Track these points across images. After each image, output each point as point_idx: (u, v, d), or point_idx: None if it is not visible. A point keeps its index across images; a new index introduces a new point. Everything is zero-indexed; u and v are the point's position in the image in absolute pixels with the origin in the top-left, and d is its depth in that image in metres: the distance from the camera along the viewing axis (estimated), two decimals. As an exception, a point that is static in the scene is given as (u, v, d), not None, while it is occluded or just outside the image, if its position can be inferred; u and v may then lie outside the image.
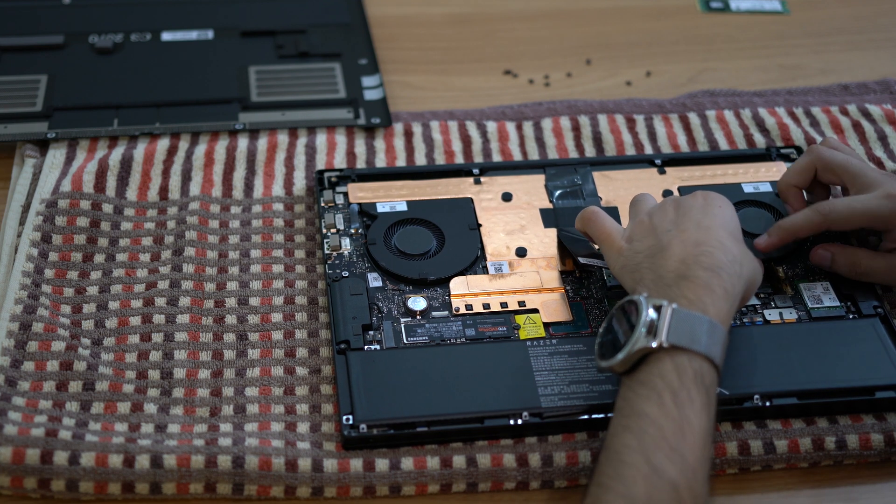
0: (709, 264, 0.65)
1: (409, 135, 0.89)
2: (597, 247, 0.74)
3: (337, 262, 0.76)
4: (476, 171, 0.84)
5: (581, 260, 0.75)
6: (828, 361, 0.71)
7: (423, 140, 0.89)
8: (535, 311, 0.74)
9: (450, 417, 0.67)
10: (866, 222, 0.73)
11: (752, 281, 0.68)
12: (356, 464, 0.66)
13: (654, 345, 0.62)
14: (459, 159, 0.87)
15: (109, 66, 0.94)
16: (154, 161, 0.84)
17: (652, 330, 0.62)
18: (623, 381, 0.63)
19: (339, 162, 0.86)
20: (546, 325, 0.73)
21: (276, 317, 0.74)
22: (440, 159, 0.87)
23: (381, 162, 0.87)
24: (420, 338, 0.72)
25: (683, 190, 0.83)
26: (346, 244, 0.78)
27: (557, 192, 0.82)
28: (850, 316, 0.74)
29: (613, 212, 0.81)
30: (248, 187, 0.83)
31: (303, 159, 0.86)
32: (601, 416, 0.67)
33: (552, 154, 0.88)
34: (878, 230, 0.75)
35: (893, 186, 0.73)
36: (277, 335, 0.73)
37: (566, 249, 0.78)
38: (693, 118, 0.91)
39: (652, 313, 0.63)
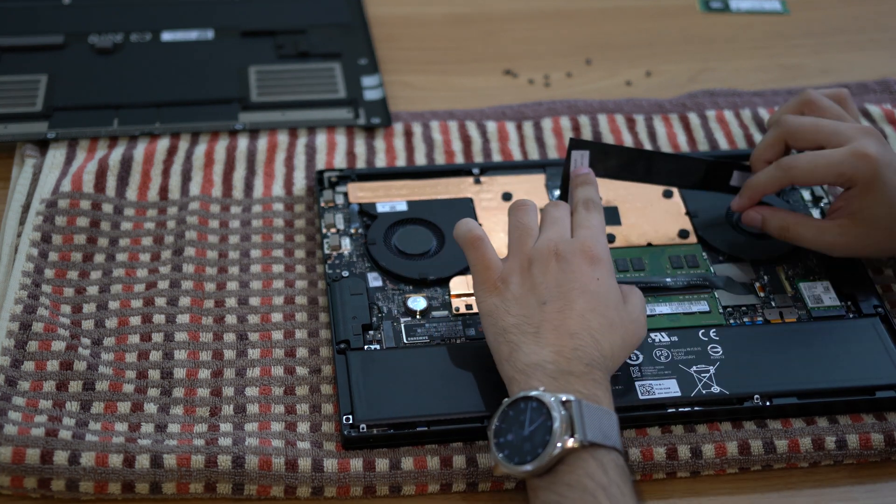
0: (587, 360, 0.63)
1: (409, 135, 0.89)
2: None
3: (337, 262, 0.76)
4: (476, 171, 0.84)
5: None
6: (828, 361, 0.71)
7: (423, 140, 0.89)
8: (535, 310, 0.74)
9: (450, 417, 0.67)
10: (830, 178, 0.72)
11: (625, 354, 0.67)
12: (356, 464, 0.66)
13: (575, 444, 0.59)
14: (459, 159, 0.87)
15: (109, 66, 0.94)
16: (154, 161, 0.84)
17: (569, 428, 0.59)
18: (536, 485, 0.60)
19: (339, 162, 0.86)
20: (546, 324, 0.73)
21: (276, 316, 0.74)
22: (440, 159, 0.87)
23: (381, 162, 0.87)
24: (420, 338, 0.72)
25: (683, 189, 0.82)
26: (346, 244, 0.78)
27: (557, 192, 0.82)
28: (850, 315, 0.74)
29: (613, 212, 0.81)
30: (248, 187, 0.83)
31: (303, 159, 0.86)
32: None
33: (552, 154, 0.88)
34: (843, 187, 0.73)
35: (864, 143, 0.71)
36: (277, 335, 0.73)
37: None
38: (693, 118, 0.91)
39: (563, 409, 0.60)
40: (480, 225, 0.71)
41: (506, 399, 0.63)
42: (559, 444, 0.59)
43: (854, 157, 0.70)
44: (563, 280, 0.66)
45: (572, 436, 0.59)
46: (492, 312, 0.67)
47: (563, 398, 0.60)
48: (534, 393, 0.61)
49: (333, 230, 0.79)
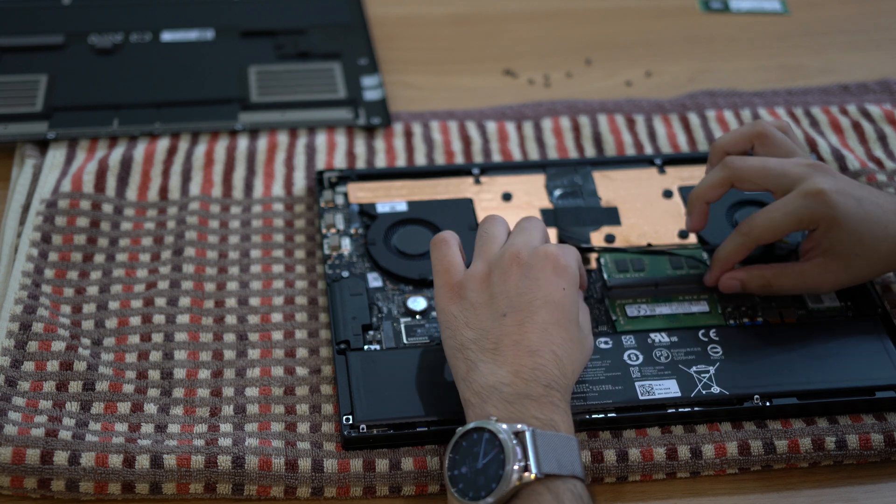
0: (546, 381, 0.61)
1: (409, 135, 0.89)
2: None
3: (337, 262, 0.76)
4: (476, 171, 0.84)
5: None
6: (828, 361, 0.71)
7: (423, 140, 0.89)
8: (535, 311, 0.74)
9: (450, 417, 0.67)
10: (791, 226, 0.69)
11: (581, 370, 0.65)
12: (356, 464, 0.66)
13: (528, 478, 0.57)
14: (459, 159, 0.87)
15: (109, 66, 0.94)
16: (154, 161, 0.84)
17: (523, 460, 0.57)
18: None
19: (339, 162, 0.86)
20: (546, 325, 0.73)
21: (276, 317, 0.74)
22: (440, 159, 0.87)
23: (381, 162, 0.87)
24: (420, 338, 0.72)
25: (684, 190, 0.83)
26: (346, 244, 0.78)
27: (557, 192, 0.82)
28: (850, 315, 0.74)
29: (613, 212, 0.81)
30: (248, 187, 0.83)
31: (303, 159, 0.86)
32: (601, 415, 0.67)
33: (552, 154, 0.88)
34: (807, 230, 0.71)
35: (813, 181, 0.68)
36: (277, 335, 0.73)
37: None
38: (693, 118, 0.91)
39: (514, 441, 0.58)
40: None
41: (459, 428, 0.61)
42: (513, 480, 0.57)
43: (807, 198, 0.68)
44: (525, 288, 0.63)
45: (526, 469, 0.57)
46: (450, 324, 0.65)
47: (517, 428, 0.58)
48: (487, 424, 0.59)
49: (333, 230, 0.79)
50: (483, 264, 0.66)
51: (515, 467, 0.57)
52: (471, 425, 0.60)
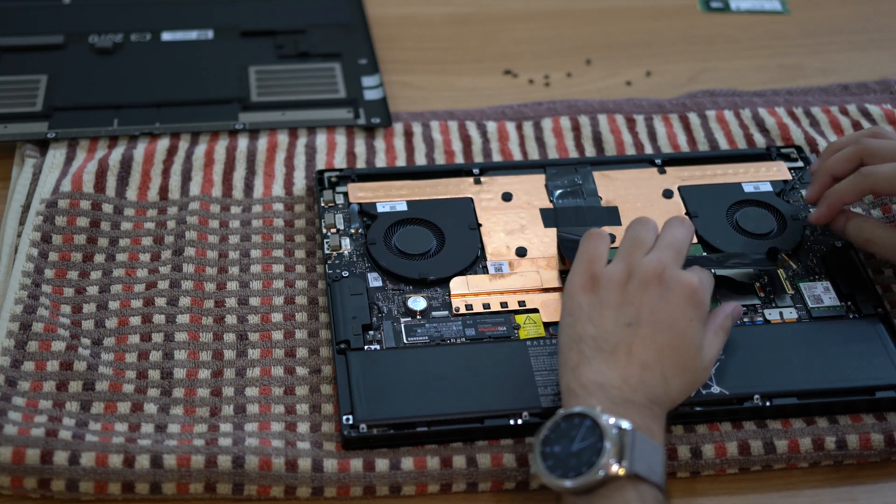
0: (651, 396, 0.62)
1: (409, 135, 0.89)
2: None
3: (337, 262, 0.76)
4: (476, 171, 0.84)
5: None
6: (828, 361, 0.71)
7: (423, 140, 0.89)
8: (536, 310, 0.74)
9: (450, 417, 0.67)
10: None
11: (685, 397, 0.66)
12: (356, 464, 0.66)
13: (620, 472, 0.58)
14: (459, 159, 0.87)
15: (109, 66, 0.94)
16: (154, 161, 0.84)
17: (618, 455, 0.59)
18: (571, 502, 0.60)
19: (339, 162, 0.86)
20: (546, 324, 0.73)
21: (277, 317, 0.74)
22: (440, 159, 0.87)
23: (381, 162, 0.87)
24: (420, 338, 0.72)
25: (683, 189, 0.82)
26: (346, 244, 0.78)
27: (558, 192, 0.82)
28: (850, 316, 0.74)
29: (614, 212, 0.81)
30: (248, 187, 0.83)
31: (303, 159, 0.86)
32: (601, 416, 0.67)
33: (552, 154, 0.88)
34: None
35: None
36: (277, 335, 0.73)
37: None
38: (693, 118, 0.91)
39: (617, 435, 0.59)
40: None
41: (561, 410, 0.62)
42: (605, 469, 0.59)
43: None
44: (657, 308, 0.65)
45: (620, 463, 0.59)
46: (574, 312, 0.66)
47: (621, 424, 0.60)
48: (591, 413, 0.60)
49: (333, 230, 0.79)
50: (624, 267, 0.67)
51: (611, 460, 0.59)
52: (576, 409, 0.61)
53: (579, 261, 0.68)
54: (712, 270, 0.73)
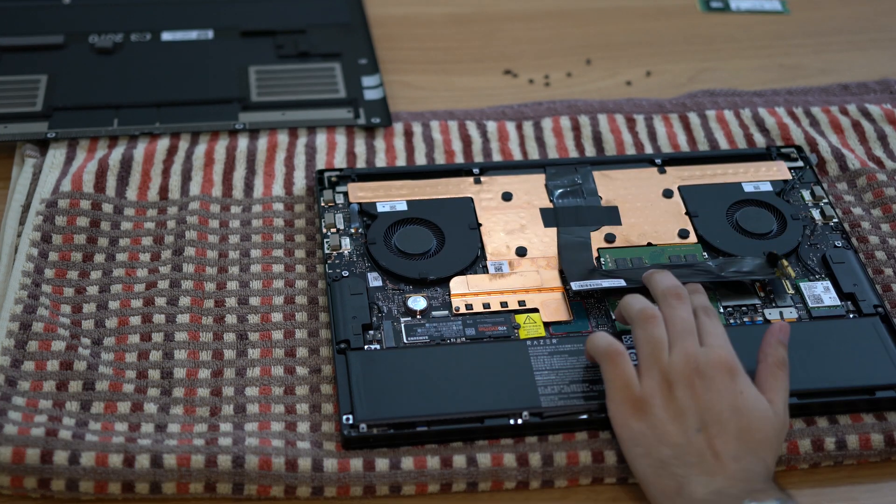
0: (761, 479, 0.63)
1: (409, 135, 0.89)
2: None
3: (337, 261, 0.76)
4: (476, 170, 0.84)
5: (574, 286, 0.74)
6: (828, 361, 0.71)
7: (423, 140, 0.89)
8: (536, 310, 0.74)
9: (450, 417, 0.67)
10: None
11: (780, 449, 0.67)
12: (356, 463, 0.66)
13: None
14: (459, 159, 0.87)
15: (109, 66, 0.94)
16: (154, 161, 0.84)
17: None
18: None
19: (339, 162, 0.86)
20: (546, 324, 0.73)
21: (277, 316, 0.74)
22: (440, 159, 0.87)
23: (381, 162, 0.87)
24: (420, 337, 0.72)
25: (683, 189, 0.82)
26: (346, 244, 0.78)
27: (558, 192, 0.82)
28: (850, 315, 0.74)
29: (614, 211, 0.81)
30: (248, 187, 0.83)
31: (303, 159, 0.86)
32: (602, 415, 0.67)
33: (552, 154, 0.88)
34: None
35: None
36: (277, 335, 0.73)
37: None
38: (693, 118, 0.91)
39: None
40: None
41: None
42: None
43: None
44: (710, 402, 0.64)
45: None
46: (640, 441, 0.64)
47: (777, 497, 0.60)
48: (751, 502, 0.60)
49: (333, 230, 0.79)
50: (659, 376, 0.65)
51: None
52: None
53: (613, 390, 0.66)
54: (711, 273, 0.73)
